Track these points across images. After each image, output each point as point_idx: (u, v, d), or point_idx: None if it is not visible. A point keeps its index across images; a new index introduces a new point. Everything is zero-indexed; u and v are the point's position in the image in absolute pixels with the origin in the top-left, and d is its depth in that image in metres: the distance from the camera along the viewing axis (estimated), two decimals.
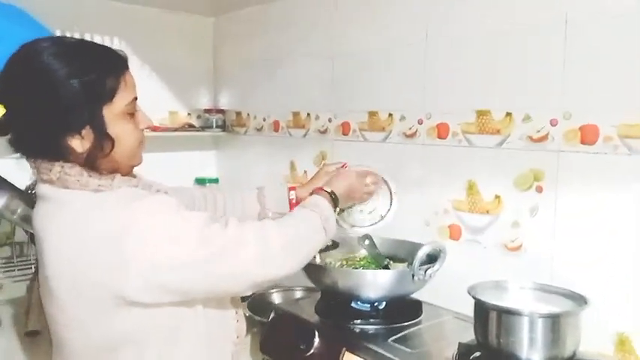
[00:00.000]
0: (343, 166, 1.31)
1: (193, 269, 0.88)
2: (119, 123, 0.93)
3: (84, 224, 0.88)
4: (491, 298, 1.09)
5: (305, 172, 1.98)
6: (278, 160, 2.10)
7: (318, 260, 1.41)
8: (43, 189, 0.94)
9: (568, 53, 1.22)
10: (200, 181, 2.35)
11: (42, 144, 0.91)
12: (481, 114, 1.40)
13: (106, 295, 0.87)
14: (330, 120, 1.86)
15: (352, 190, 1.22)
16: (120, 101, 0.92)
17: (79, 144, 0.90)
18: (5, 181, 1.64)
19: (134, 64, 0.97)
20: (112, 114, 0.91)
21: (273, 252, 0.95)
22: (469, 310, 1.30)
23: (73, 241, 0.88)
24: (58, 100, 0.87)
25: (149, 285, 0.87)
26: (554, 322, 1.02)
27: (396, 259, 1.45)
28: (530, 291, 1.16)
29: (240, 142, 2.31)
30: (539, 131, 1.28)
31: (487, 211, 1.41)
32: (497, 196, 1.38)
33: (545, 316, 1.02)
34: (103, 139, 0.91)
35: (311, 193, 1.16)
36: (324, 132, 1.88)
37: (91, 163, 0.92)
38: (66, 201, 0.91)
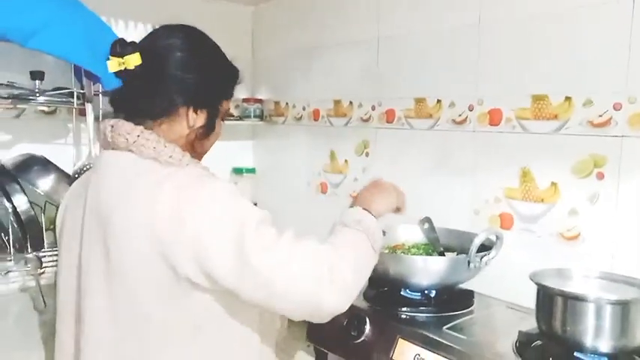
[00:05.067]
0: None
1: (235, 266, 0.85)
2: (219, 119, 1.05)
3: (153, 197, 0.87)
4: (554, 286, 1.05)
5: (346, 161, 1.95)
6: (317, 150, 2.08)
7: None
8: (112, 156, 0.95)
9: (635, 32, 1.17)
10: (237, 171, 2.34)
11: (164, 106, 0.96)
12: (537, 99, 1.36)
13: (163, 268, 0.86)
14: (373, 108, 1.83)
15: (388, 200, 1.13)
16: (229, 102, 1.07)
17: (193, 119, 0.98)
18: (52, 164, 1.66)
19: None
20: (223, 109, 1.04)
21: (325, 274, 0.88)
22: (522, 300, 1.27)
23: (141, 213, 0.87)
24: (218, 73, 1.02)
25: (198, 267, 0.85)
26: (624, 309, 0.97)
27: (445, 247, 1.42)
28: (595, 280, 1.12)
29: (278, 131, 2.30)
30: (601, 116, 1.24)
31: (542, 200, 1.36)
32: (553, 184, 1.34)
33: (614, 303, 0.97)
34: (210, 125, 1.01)
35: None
36: (367, 120, 1.85)
37: (191, 141, 1.00)
38: (136, 172, 0.91)
